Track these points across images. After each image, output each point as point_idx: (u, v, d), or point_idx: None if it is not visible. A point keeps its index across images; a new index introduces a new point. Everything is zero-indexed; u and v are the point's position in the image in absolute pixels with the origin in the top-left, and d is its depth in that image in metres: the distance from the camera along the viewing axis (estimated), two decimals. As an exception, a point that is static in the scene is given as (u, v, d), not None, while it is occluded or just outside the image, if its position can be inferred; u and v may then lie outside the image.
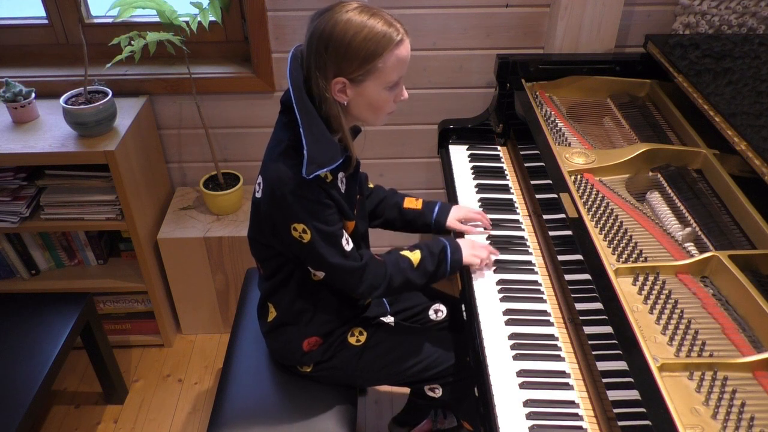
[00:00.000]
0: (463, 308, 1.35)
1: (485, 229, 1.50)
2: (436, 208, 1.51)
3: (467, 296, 1.34)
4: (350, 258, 1.24)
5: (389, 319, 1.47)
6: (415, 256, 1.34)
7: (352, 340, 1.40)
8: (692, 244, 1.23)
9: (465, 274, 1.39)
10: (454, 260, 1.35)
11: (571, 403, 1.10)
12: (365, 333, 1.42)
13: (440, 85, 2.01)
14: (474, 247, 1.38)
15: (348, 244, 1.25)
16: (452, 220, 1.50)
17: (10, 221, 1.83)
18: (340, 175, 1.23)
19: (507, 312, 1.28)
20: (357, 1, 1.13)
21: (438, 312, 1.57)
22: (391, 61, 1.12)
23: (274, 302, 1.38)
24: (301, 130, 1.12)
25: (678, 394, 0.95)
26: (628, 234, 1.25)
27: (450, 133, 1.83)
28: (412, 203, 1.52)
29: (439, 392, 1.45)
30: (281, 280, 1.33)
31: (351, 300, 1.39)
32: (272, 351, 1.45)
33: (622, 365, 0.98)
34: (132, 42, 1.69)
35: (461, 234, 1.49)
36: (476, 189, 1.63)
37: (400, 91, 1.20)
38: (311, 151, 1.12)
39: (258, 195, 1.25)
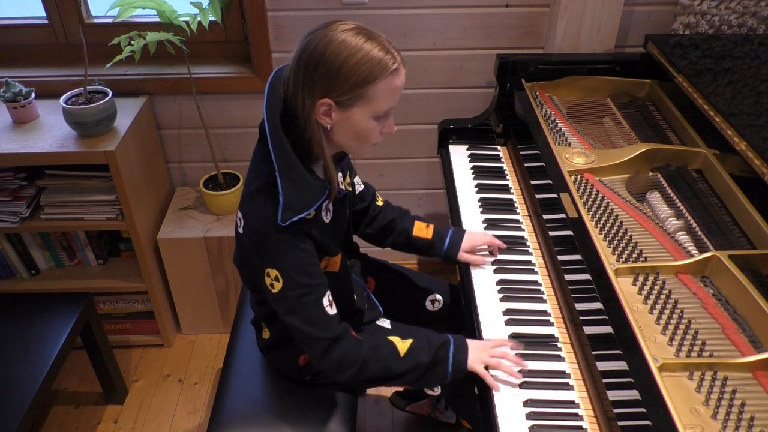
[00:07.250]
0: (463, 305, 1.35)
1: (491, 253, 1.42)
2: (447, 240, 1.42)
3: (467, 296, 1.34)
4: (323, 326, 1.14)
5: (385, 323, 1.45)
6: (403, 344, 1.20)
7: None
8: (692, 243, 1.23)
9: (465, 273, 1.39)
10: (456, 361, 1.19)
11: (571, 403, 1.10)
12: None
13: (440, 85, 2.01)
14: (484, 349, 1.18)
15: (331, 308, 1.15)
16: (462, 253, 1.40)
17: (10, 221, 1.83)
18: (325, 203, 1.17)
19: (507, 312, 1.28)
20: (354, 22, 1.06)
21: (435, 302, 1.55)
22: (382, 90, 1.04)
23: (267, 324, 1.36)
24: (276, 173, 1.05)
25: (678, 394, 0.95)
26: (628, 234, 1.25)
27: (450, 133, 1.83)
28: (422, 231, 1.45)
29: (437, 390, 1.45)
30: (273, 309, 1.28)
31: (347, 312, 1.34)
32: (269, 364, 1.43)
33: (622, 365, 0.98)
34: (132, 42, 1.69)
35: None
36: (476, 189, 1.63)
37: (388, 123, 1.12)
38: (287, 196, 1.05)
39: (240, 231, 1.17)
